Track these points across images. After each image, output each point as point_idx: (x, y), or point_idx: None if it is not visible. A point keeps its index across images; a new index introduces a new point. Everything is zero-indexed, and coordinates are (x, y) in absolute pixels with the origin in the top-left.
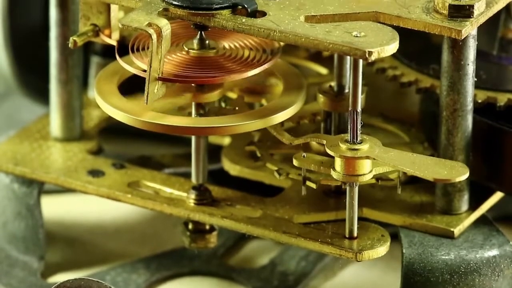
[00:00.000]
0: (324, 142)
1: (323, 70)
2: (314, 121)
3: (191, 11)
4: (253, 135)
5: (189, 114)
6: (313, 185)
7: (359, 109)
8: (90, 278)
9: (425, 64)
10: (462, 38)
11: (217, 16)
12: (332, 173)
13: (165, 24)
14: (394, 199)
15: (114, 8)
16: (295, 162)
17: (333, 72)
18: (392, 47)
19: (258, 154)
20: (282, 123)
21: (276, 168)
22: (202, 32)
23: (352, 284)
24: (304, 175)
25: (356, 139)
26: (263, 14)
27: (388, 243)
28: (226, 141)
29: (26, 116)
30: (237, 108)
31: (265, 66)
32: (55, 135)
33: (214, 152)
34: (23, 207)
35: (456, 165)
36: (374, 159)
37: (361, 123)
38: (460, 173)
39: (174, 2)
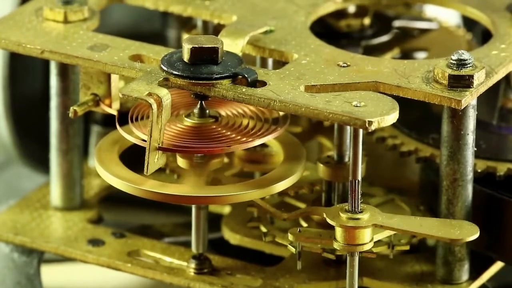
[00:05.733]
0: (324, 214)
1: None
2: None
3: (191, 81)
4: (253, 212)
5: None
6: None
7: (359, 178)
8: None
9: (425, 134)
10: (462, 108)
11: (218, 86)
12: (334, 243)
13: (165, 94)
14: (394, 268)
15: (114, 78)
16: (290, 238)
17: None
18: (392, 117)
19: (264, 230)
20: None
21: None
22: (203, 101)
23: None
24: (299, 250)
25: (357, 208)
26: (263, 83)
27: None
28: (227, 210)
29: (26, 185)
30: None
31: (269, 137)
32: (55, 204)
33: (214, 221)
34: (23, 277)
35: (464, 223)
36: (382, 226)
37: (361, 192)
38: (472, 232)
39: (175, 72)
